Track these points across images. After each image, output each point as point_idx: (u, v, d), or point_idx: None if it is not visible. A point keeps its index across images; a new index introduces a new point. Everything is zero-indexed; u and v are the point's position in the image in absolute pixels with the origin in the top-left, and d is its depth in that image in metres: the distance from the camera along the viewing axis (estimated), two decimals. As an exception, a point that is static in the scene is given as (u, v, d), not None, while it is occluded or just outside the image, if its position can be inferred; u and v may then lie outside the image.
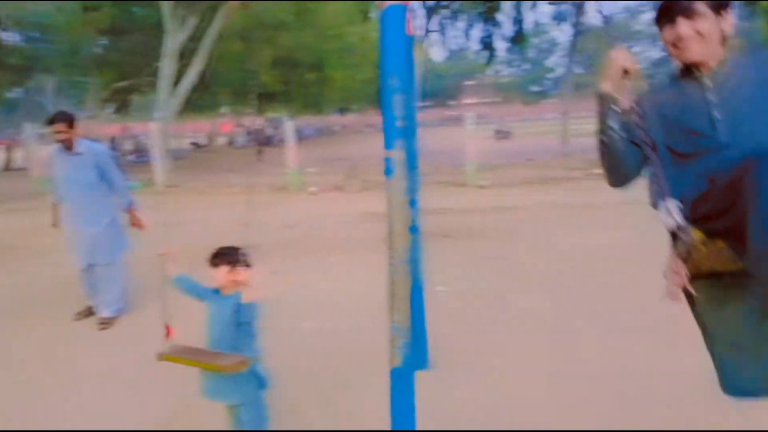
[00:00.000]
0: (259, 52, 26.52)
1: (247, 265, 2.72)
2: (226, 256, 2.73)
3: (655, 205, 1.94)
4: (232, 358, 2.62)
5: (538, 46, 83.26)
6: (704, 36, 1.86)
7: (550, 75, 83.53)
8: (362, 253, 7.10)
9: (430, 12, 24.64)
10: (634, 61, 1.96)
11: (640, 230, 7.63)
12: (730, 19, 1.89)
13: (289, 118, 18.25)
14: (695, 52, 1.87)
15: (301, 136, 44.80)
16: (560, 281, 5.73)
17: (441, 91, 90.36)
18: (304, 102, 38.42)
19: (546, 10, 27.14)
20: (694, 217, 1.85)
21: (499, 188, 12.93)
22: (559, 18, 26.36)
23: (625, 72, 1.95)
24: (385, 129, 2.23)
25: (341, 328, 4.71)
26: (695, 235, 1.84)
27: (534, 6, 24.28)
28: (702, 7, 1.86)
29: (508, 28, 23.82)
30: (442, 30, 26.14)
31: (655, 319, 4.19)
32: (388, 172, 2.22)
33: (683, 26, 1.86)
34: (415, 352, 3.79)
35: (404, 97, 2.17)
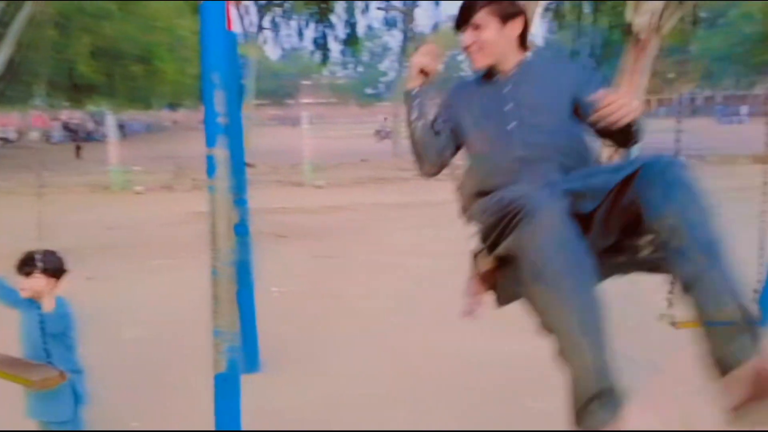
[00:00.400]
0: (78, 41, 24.49)
1: (49, 272, 2.48)
2: (28, 262, 2.47)
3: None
4: (45, 372, 2.37)
5: (371, 49, 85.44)
6: (488, 45, 2.03)
7: (383, 78, 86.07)
8: (189, 255, 6.79)
9: (263, 10, 24.31)
10: (433, 61, 2.13)
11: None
12: (519, 27, 2.06)
13: (112, 112, 17.02)
14: (478, 60, 2.08)
15: (127, 132, 42.24)
16: (393, 279, 5.90)
17: (277, 89, 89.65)
18: (130, 96, 36.06)
19: (378, 15, 27.92)
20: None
21: (334, 188, 13.06)
22: (389, 23, 27.20)
23: (424, 72, 2.13)
24: (206, 126, 2.13)
25: (166, 335, 4.47)
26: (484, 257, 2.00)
27: (366, 10, 24.83)
28: (484, 20, 2.01)
29: (341, 30, 24.13)
30: (275, 28, 25.90)
31: (486, 313, 4.44)
32: (210, 170, 2.13)
33: (467, 37, 2.06)
34: (245, 356, 3.74)
35: (226, 94, 2.09)
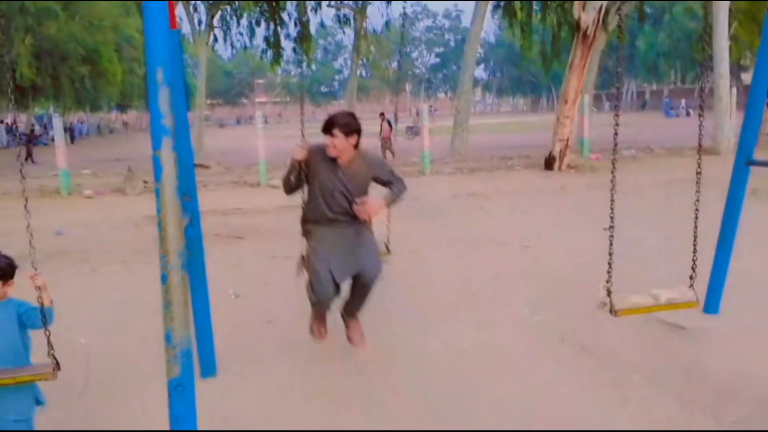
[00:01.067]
0: (20, 42, 23.73)
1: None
2: None
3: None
4: (41, 367, 2.48)
5: (325, 47, 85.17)
6: (338, 146, 3.61)
7: (338, 76, 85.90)
8: (141, 259, 6.66)
9: (212, 8, 23.98)
10: (303, 155, 3.62)
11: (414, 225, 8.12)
12: (355, 139, 3.65)
13: (58, 114, 16.53)
14: (331, 152, 3.63)
15: (75, 135, 41.11)
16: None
17: (230, 89, 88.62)
18: (77, 98, 35.15)
19: (330, 12, 27.77)
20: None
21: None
22: (342, 21, 27.14)
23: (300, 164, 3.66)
24: (152, 127, 2.10)
25: (118, 341, 4.37)
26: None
27: (318, 8, 24.73)
28: (338, 132, 3.59)
29: (293, 28, 23.97)
30: (225, 27, 25.57)
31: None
32: (156, 172, 2.10)
33: (330, 139, 3.61)
34: (201, 360, 3.69)
35: (171, 94, 2.06)
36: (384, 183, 3.80)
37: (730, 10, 17.66)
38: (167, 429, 2.26)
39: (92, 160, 21.71)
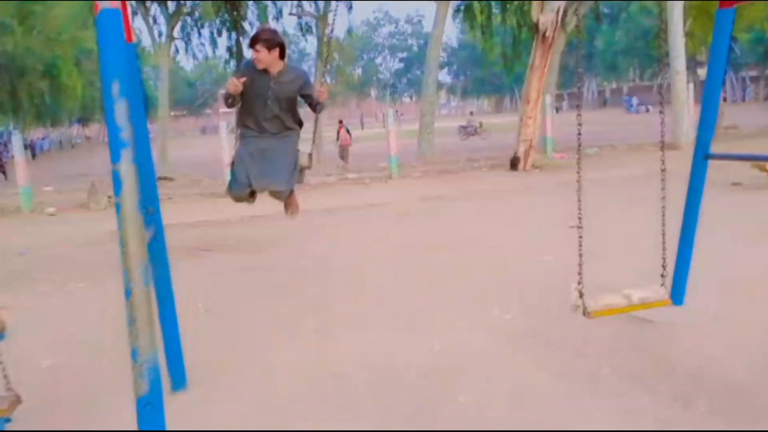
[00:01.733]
0: (-26, 57, 23.19)
1: None
2: None
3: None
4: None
5: (288, 55, 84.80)
6: (261, 59, 4.16)
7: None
8: (106, 276, 6.53)
9: (172, 18, 23.71)
10: (236, 89, 4.16)
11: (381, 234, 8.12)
12: (278, 51, 4.20)
13: (18, 130, 16.15)
14: (259, 65, 4.20)
15: (36, 151, 40.26)
16: (318, 285, 5.87)
17: (194, 99, 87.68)
18: (36, 113, 34.45)
19: (292, 21, 27.70)
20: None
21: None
22: (304, 29, 27.05)
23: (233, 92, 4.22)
24: (110, 141, 2.06)
25: (85, 361, 4.28)
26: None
27: (279, 16, 24.64)
28: (261, 47, 4.13)
29: (255, 37, 23.81)
30: (187, 37, 25.31)
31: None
32: (116, 187, 2.06)
33: (255, 53, 4.16)
34: (171, 374, 3.63)
35: (129, 107, 2.03)
36: (308, 98, 4.38)
37: (685, 7, 18.08)
38: (137, 447, 2.22)
39: (54, 177, 21.29)
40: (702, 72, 46.87)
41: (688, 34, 18.67)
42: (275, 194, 4.46)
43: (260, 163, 4.29)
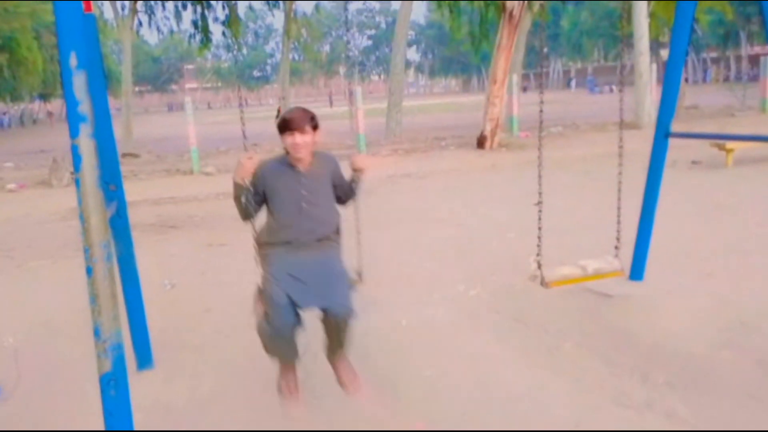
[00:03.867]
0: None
1: None
2: None
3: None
4: None
5: (255, 31, 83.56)
6: (309, 144, 3.10)
7: (270, 60, 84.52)
8: (68, 254, 6.43)
9: (135, -10, 23.09)
10: (249, 173, 3.04)
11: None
12: (319, 135, 3.14)
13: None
14: (301, 153, 3.10)
15: (-7, 127, 39.07)
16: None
17: (158, 75, 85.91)
18: (-6, 88, 33.41)
19: (259, -6, 27.24)
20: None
21: (224, 174, 12.71)
22: (271, 4, 26.59)
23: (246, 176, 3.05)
24: (68, 115, 2.02)
25: (48, 340, 4.22)
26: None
27: (247, -10, 24.18)
28: (309, 129, 3.08)
29: (220, 11, 23.35)
30: (150, 11, 24.70)
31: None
32: (75, 162, 2.02)
33: (300, 137, 3.06)
34: (137, 352, 3.61)
35: (87, 80, 1.98)
36: (339, 184, 3.31)
37: (648, -12, 18.28)
38: (102, 426, 2.21)
39: (15, 153, 20.73)
40: (664, 53, 47.52)
41: (651, 15, 18.87)
42: (333, 342, 3.17)
43: (303, 281, 3.02)
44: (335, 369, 3.25)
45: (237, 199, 3.12)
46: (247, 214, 3.17)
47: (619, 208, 3.76)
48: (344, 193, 3.35)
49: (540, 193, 3.52)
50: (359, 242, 3.55)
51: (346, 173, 3.32)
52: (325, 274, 3.10)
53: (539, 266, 3.58)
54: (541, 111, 3.46)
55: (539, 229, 3.56)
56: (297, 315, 3.01)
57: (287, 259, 3.10)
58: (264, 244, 3.26)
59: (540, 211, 3.53)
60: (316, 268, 3.08)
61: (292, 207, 3.14)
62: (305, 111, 3.14)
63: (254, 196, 3.13)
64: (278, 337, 3.01)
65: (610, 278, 3.86)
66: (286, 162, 3.16)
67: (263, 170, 3.11)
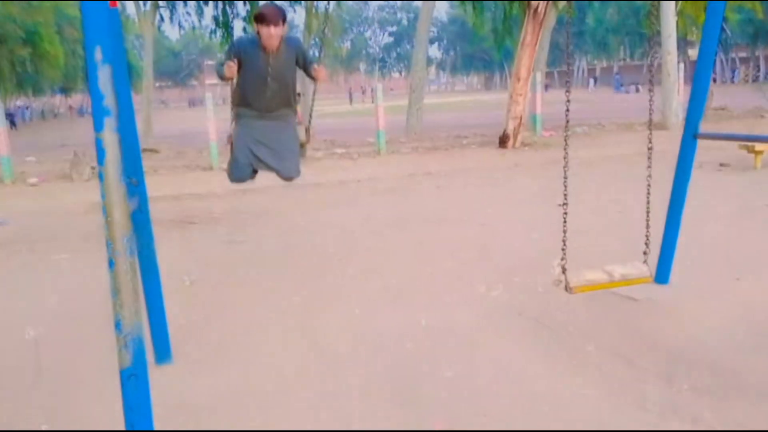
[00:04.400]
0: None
1: None
2: None
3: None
4: None
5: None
6: (277, 34, 3.96)
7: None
8: (89, 247, 6.46)
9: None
10: (232, 72, 4.09)
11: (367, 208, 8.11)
12: (286, 27, 4.01)
13: (-2, 99, 15.87)
14: (274, 41, 4.01)
15: (16, 120, 39.60)
16: (305, 259, 5.85)
17: (179, 70, 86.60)
18: (17, 81, 33.85)
19: (281, -10, 27.22)
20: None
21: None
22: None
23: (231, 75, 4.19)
24: (93, 109, 2.01)
25: (70, 333, 4.24)
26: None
27: (268, -15, 24.20)
28: (280, 23, 3.97)
29: (242, 6, 23.39)
30: (171, 6, 24.86)
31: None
32: (99, 156, 2.01)
33: (267, 29, 3.95)
34: (156, 347, 3.61)
35: (112, 73, 1.97)
36: (305, 63, 4.20)
37: (676, -14, 18.01)
38: (120, 419, 2.20)
39: (36, 147, 20.97)
40: (692, 52, 46.91)
41: (679, 14, 18.59)
42: (283, 178, 4.42)
43: (264, 144, 4.18)
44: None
45: (221, 75, 4.08)
46: (224, 79, 4.13)
47: (648, 212, 3.67)
48: (311, 74, 4.27)
49: (565, 195, 3.45)
50: (311, 108, 4.55)
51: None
52: (279, 138, 4.14)
53: (564, 271, 3.51)
54: (567, 110, 3.40)
55: (564, 232, 3.48)
56: (253, 171, 4.29)
57: (251, 123, 4.14)
58: (238, 105, 4.22)
59: (565, 213, 3.46)
60: (274, 131, 4.13)
61: (258, 81, 4.03)
62: (278, 8, 4.05)
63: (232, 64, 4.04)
64: (237, 181, 4.44)
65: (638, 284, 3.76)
66: (258, 44, 4.01)
67: (239, 48, 4.07)
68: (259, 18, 3.98)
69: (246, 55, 4.03)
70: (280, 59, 4.09)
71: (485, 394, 3.16)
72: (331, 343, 3.86)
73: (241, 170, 4.24)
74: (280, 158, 4.18)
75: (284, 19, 4.03)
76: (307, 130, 4.47)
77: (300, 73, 4.49)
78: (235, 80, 4.15)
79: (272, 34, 3.96)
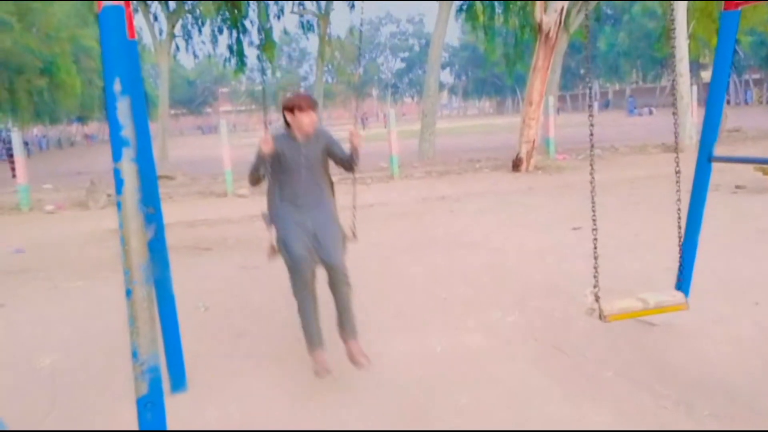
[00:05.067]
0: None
1: None
2: None
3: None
4: None
5: (289, 54, 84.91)
6: (313, 122, 3.85)
7: (303, 83, 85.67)
8: (105, 275, 6.51)
9: (173, 16, 23.69)
10: (269, 148, 3.72)
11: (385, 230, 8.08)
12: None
13: (16, 128, 16.13)
14: (310, 129, 3.85)
15: (34, 149, 40.23)
16: (318, 285, 5.83)
17: (194, 98, 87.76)
18: (34, 110, 34.40)
19: (293, 19, 27.67)
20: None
21: (258, 197, 12.84)
22: (305, 28, 27.04)
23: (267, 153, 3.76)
24: (111, 139, 2.04)
25: (85, 361, 4.25)
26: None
27: (281, 15, 24.62)
28: (310, 110, 3.83)
29: (255, 35, 23.79)
30: (187, 36, 25.30)
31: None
32: (117, 185, 2.04)
33: (301, 117, 3.81)
34: (171, 375, 3.61)
35: (131, 104, 2.00)
36: (335, 154, 3.99)
37: (688, 9, 18.06)
38: (137, 448, 2.20)
39: (53, 174, 21.25)
40: (704, 74, 46.86)
41: (691, 37, 18.63)
42: (340, 310, 3.89)
43: (306, 233, 3.75)
44: (347, 346, 3.77)
45: (256, 170, 3.87)
46: (257, 180, 3.92)
47: (680, 237, 3.58)
48: (343, 160, 4.00)
49: (594, 220, 3.40)
50: (354, 204, 4.22)
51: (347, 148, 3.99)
52: (323, 227, 3.82)
53: (597, 299, 3.41)
54: (591, 134, 3.38)
55: (595, 258, 3.38)
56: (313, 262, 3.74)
57: (293, 215, 3.81)
58: (273, 206, 3.91)
59: (595, 239, 3.38)
60: (316, 221, 3.82)
61: (295, 172, 3.83)
62: (310, 96, 3.99)
63: (269, 165, 3.83)
64: (299, 268, 3.70)
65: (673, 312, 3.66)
66: (289, 135, 3.88)
67: (275, 143, 3.79)
68: (295, 106, 3.82)
69: (280, 149, 3.80)
70: (311, 147, 3.88)
71: (500, 422, 3.12)
72: (345, 370, 3.83)
73: (299, 262, 3.66)
74: (324, 245, 3.74)
75: (315, 107, 3.92)
76: (353, 232, 4.15)
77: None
78: (268, 180, 3.88)
79: (311, 120, 3.83)
